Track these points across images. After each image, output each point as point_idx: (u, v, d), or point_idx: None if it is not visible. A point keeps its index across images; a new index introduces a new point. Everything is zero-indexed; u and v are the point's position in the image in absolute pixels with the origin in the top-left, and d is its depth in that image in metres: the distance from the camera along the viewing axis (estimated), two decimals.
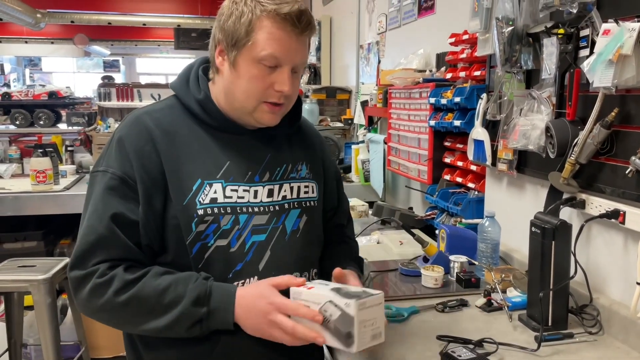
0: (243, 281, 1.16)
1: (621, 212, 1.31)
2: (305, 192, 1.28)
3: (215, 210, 1.15)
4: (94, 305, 1.11)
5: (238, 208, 1.17)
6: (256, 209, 1.19)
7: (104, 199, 1.13)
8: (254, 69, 1.14)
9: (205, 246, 1.15)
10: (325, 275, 1.31)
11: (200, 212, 1.14)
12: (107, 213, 1.11)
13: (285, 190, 1.25)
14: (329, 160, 1.42)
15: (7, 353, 2.64)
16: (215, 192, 1.16)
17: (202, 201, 1.15)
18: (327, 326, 0.99)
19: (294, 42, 1.15)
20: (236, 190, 1.18)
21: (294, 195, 1.26)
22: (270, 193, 1.22)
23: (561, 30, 1.45)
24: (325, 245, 1.38)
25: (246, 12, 1.12)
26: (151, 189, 1.14)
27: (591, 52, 1.34)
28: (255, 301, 1.09)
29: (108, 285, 1.09)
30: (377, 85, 3.35)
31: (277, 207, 1.22)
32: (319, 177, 1.34)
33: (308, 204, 1.28)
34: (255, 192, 1.20)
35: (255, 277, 1.17)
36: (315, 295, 1.03)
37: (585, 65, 1.31)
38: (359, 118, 3.85)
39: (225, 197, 1.17)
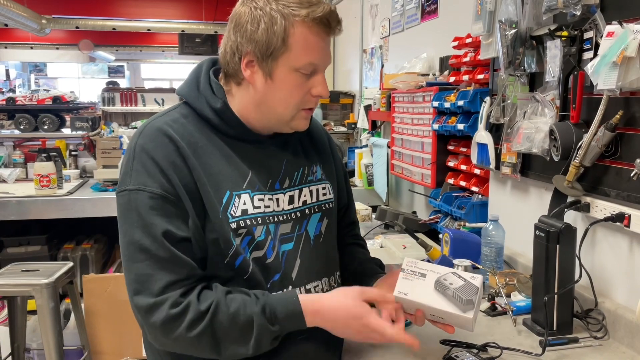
0: (279, 292, 1.15)
1: (626, 215, 1.30)
2: (324, 195, 1.27)
3: (248, 222, 1.12)
4: (167, 338, 1.05)
5: (267, 217, 1.15)
6: (280, 218, 1.18)
7: (147, 219, 1.06)
8: (292, 79, 1.11)
9: (246, 259, 1.12)
10: (346, 278, 1.33)
11: (233, 225, 1.11)
12: (157, 232, 1.05)
13: (305, 195, 1.23)
14: (337, 157, 1.41)
15: (10, 357, 2.64)
16: (244, 203, 1.13)
17: (233, 214, 1.11)
18: (444, 292, 1.09)
19: (327, 45, 1.13)
20: (263, 200, 1.16)
21: (314, 199, 1.25)
22: (291, 200, 1.21)
23: (565, 33, 1.44)
24: (340, 247, 1.36)
25: (278, 19, 1.06)
26: (190, 203, 1.09)
27: (595, 55, 1.33)
28: (348, 321, 1.08)
29: (182, 316, 1.03)
30: (380, 89, 3.35)
31: (298, 214, 1.21)
32: (332, 177, 1.34)
33: (327, 206, 1.27)
34: (277, 200, 1.18)
35: (290, 287, 1.17)
36: (432, 265, 1.14)
37: (589, 68, 1.30)
38: (363, 122, 3.85)
39: (254, 207, 1.14)
